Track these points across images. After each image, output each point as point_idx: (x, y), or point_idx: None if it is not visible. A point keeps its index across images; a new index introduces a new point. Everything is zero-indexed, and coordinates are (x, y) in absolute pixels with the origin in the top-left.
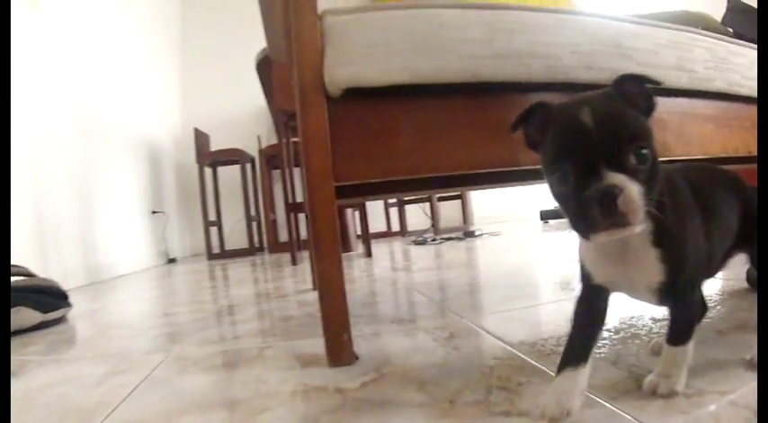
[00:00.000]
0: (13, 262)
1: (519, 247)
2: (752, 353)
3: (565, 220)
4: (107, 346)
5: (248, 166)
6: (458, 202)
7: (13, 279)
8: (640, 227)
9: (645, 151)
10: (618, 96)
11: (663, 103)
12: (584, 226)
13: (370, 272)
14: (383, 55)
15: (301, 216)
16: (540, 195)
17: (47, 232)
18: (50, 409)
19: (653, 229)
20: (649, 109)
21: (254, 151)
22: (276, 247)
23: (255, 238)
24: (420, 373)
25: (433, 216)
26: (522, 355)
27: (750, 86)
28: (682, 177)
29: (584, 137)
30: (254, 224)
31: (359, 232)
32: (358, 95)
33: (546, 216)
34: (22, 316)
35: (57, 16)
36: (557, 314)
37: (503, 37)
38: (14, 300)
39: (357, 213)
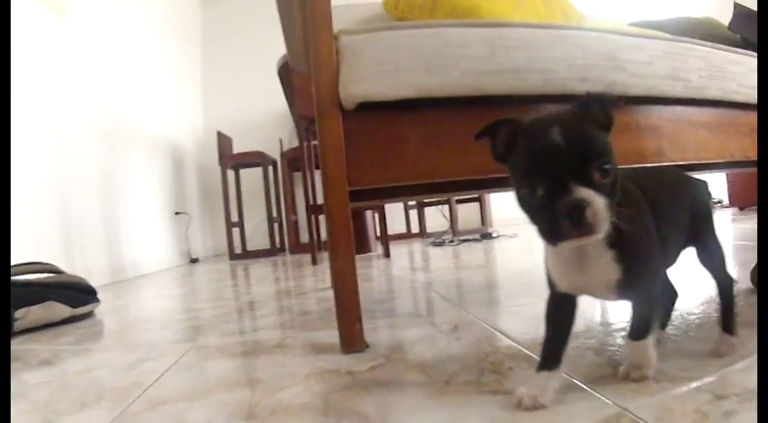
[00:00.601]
0: (41, 260)
1: (531, 249)
2: (716, 343)
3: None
4: (135, 338)
5: (270, 168)
6: (476, 204)
7: (43, 276)
8: (604, 234)
9: (608, 167)
10: (582, 115)
11: (658, 111)
12: (553, 234)
13: (387, 271)
14: (392, 72)
15: (322, 217)
16: None
17: (73, 232)
18: (87, 390)
19: (607, 232)
20: (609, 125)
21: (275, 154)
22: (297, 247)
23: (277, 239)
24: (423, 358)
25: (452, 218)
26: (516, 345)
27: (746, 93)
28: (631, 181)
29: (555, 154)
30: (276, 225)
31: (378, 234)
32: (370, 109)
33: None
34: (53, 310)
35: (82, 25)
36: None
37: (503, 53)
38: (46, 295)
39: (376, 215)
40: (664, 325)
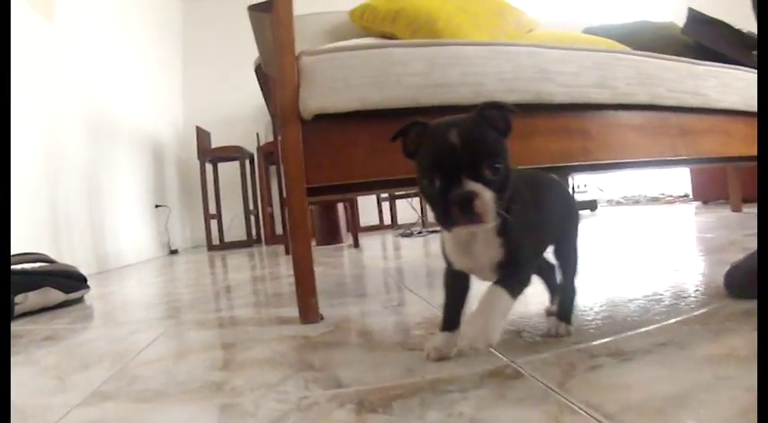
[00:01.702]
0: (33, 250)
1: None
2: (553, 328)
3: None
4: (124, 317)
5: (247, 162)
6: None
7: (37, 265)
8: (491, 224)
9: (498, 165)
10: (480, 120)
11: (586, 115)
12: (446, 221)
13: (354, 260)
14: (344, 88)
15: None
16: None
17: (60, 224)
18: (88, 355)
19: (498, 223)
20: (507, 130)
21: (253, 148)
22: (273, 238)
23: (253, 231)
24: (364, 327)
25: (422, 210)
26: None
27: (677, 97)
28: (521, 181)
29: (451, 152)
30: (253, 217)
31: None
32: (325, 119)
33: None
34: (48, 295)
35: (68, 25)
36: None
37: (439, 70)
38: (42, 282)
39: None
40: (554, 293)
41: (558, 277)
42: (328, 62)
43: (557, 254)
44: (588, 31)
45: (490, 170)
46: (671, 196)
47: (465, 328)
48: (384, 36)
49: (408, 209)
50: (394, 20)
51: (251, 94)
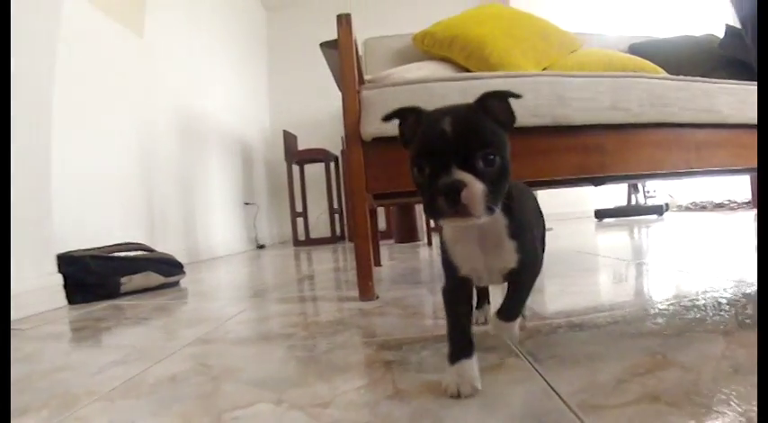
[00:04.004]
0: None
1: (555, 240)
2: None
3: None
4: (217, 296)
5: (332, 164)
6: None
7: (139, 252)
8: (481, 219)
9: (492, 157)
10: (479, 110)
11: (602, 134)
12: (432, 212)
13: (423, 256)
14: None
15: (378, 209)
16: (596, 194)
17: (156, 219)
18: (191, 319)
19: (508, 224)
20: (510, 123)
21: (337, 150)
22: None
23: (338, 228)
24: (407, 304)
25: None
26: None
27: (690, 115)
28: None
29: (442, 140)
30: (337, 215)
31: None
32: (381, 140)
33: (600, 214)
34: (149, 278)
35: (158, 38)
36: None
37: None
38: (144, 266)
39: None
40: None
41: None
42: (382, 95)
43: None
44: (633, 47)
45: (483, 161)
46: (735, 203)
47: (501, 324)
48: (443, 59)
49: None
50: (450, 45)
51: (335, 99)
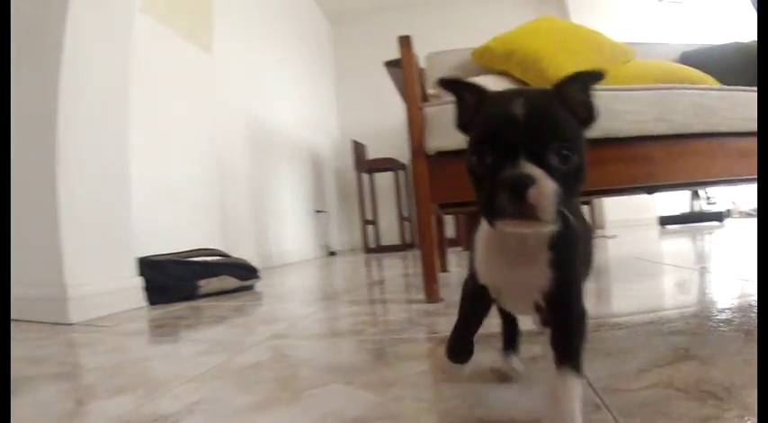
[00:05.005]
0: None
1: (618, 246)
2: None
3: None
4: (290, 299)
5: (401, 172)
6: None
7: (216, 257)
8: (548, 227)
9: (568, 153)
10: (556, 96)
11: (650, 145)
12: (490, 210)
13: None
14: (455, 131)
15: (446, 217)
16: (661, 201)
17: (229, 226)
18: (267, 319)
19: (554, 232)
20: (589, 119)
21: (405, 159)
22: None
23: (407, 236)
24: None
25: None
26: None
27: (730, 124)
28: None
29: (511, 125)
30: (407, 223)
31: None
32: (443, 154)
33: (664, 221)
34: (226, 282)
35: (227, 55)
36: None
37: None
38: (221, 270)
39: None
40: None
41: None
42: (444, 112)
43: None
44: (685, 55)
45: (558, 156)
46: None
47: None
48: (501, 73)
49: None
50: (507, 60)
51: (401, 109)
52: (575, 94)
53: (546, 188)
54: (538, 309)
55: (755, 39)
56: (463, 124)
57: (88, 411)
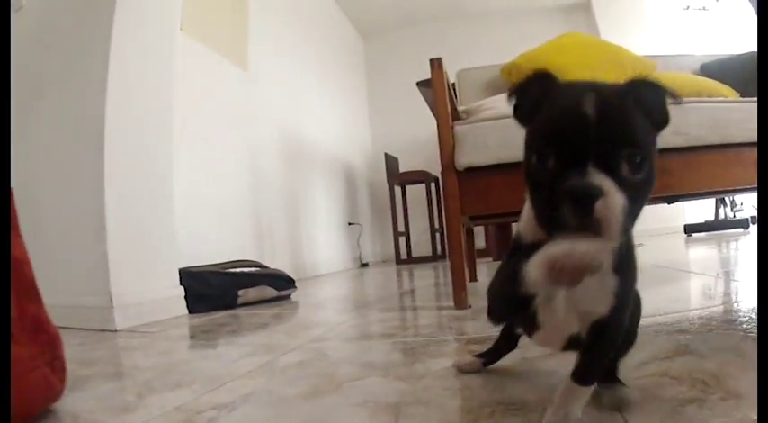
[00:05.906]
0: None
1: (642, 254)
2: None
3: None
4: (326, 308)
5: (432, 185)
6: None
7: (254, 268)
8: (612, 244)
9: (641, 162)
10: (629, 95)
11: (667, 157)
12: (550, 220)
13: None
14: (484, 149)
15: (477, 229)
16: (687, 210)
17: (264, 237)
18: (305, 324)
19: (615, 253)
20: (662, 123)
21: (436, 172)
22: None
23: (438, 247)
24: None
25: None
26: None
27: (744, 135)
28: None
29: (581, 125)
30: (438, 235)
31: None
32: (473, 170)
33: (689, 229)
34: (264, 291)
35: (262, 71)
36: None
37: None
38: (259, 280)
39: None
40: None
41: None
42: (473, 130)
43: None
44: (704, 67)
45: (629, 165)
46: None
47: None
48: None
49: None
50: None
51: (433, 124)
52: (650, 94)
53: (615, 202)
54: (571, 343)
55: None
56: (524, 116)
57: (149, 403)
